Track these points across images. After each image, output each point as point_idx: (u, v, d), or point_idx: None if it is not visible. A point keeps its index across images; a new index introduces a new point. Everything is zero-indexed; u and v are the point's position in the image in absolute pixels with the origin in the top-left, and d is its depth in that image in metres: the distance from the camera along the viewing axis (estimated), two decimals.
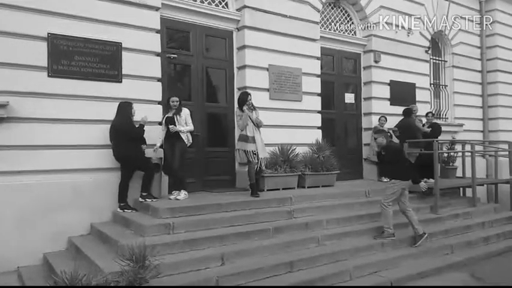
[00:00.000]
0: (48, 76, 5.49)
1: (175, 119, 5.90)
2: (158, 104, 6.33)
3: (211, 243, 4.84)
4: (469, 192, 8.26)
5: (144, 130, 5.77)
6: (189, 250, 4.65)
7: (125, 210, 5.65)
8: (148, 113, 5.90)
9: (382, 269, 5.10)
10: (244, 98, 6.27)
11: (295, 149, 7.37)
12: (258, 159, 6.18)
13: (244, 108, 6.21)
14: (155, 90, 6.30)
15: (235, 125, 7.36)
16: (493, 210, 7.97)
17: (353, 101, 9.20)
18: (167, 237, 4.79)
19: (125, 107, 5.69)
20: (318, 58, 8.19)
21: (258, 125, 6.26)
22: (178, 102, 5.96)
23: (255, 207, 5.85)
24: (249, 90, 7.12)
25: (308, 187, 7.21)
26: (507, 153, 8.91)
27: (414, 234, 5.86)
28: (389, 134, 8.53)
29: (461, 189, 8.51)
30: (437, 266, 5.38)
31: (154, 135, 5.99)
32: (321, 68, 8.33)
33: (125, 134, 5.58)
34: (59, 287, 3.37)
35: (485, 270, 5.41)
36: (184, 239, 4.76)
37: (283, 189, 6.83)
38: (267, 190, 6.64)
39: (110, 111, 5.66)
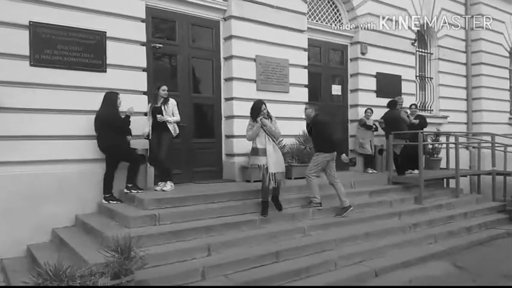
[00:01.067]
0: (31, 65, 5.38)
1: (163, 110, 5.85)
2: (143, 94, 6.25)
3: (198, 234, 4.84)
4: (452, 183, 8.42)
5: (129, 121, 5.71)
6: (175, 241, 4.65)
7: (110, 202, 5.60)
8: (133, 103, 5.83)
9: (367, 258, 5.17)
10: (257, 107, 5.47)
11: (281, 140, 7.37)
12: (268, 174, 5.39)
13: (258, 119, 5.44)
14: (140, 81, 6.22)
15: (223, 116, 7.35)
16: (475, 201, 8.12)
17: (339, 93, 9.23)
18: (153, 229, 4.78)
19: (111, 97, 5.61)
20: (305, 49, 8.17)
21: (271, 135, 5.54)
22: (167, 92, 5.91)
23: (241, 198, 5.85)
24: (235, 81, 7.13)
25: (295, 178, 7.24)
26: (490, 145, 9.07)
27: (340, 205, 6.03)
28: (374, 126, 8.65)
29: (445, 180, 8.67)
30: (421, 255, 5.47)
31: (139, 126, 5.93)
32: (308, 60, 8.32)
33: (110, 124, 5.50)
34: (42, 287, 3.32)
35: (467, 260, 5.52)
36: (170, 230, 4.75)
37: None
38: (254, 181, 6.64)
39: (94, 102, 5.57)
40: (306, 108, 6.22)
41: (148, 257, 3.99)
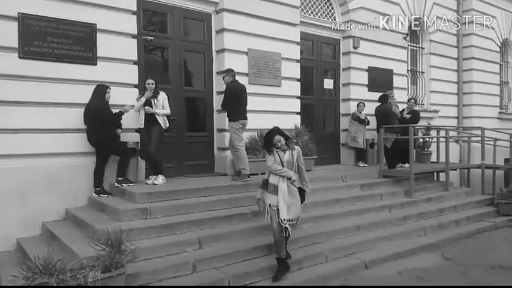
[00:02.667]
0: (19, 58, 5.30)
1: (153, 103, 5.82)
2: (134, 87, 6.21)
3: (189, 227, 4.84)
4: (442, 176, 8.49)
5: (121, 117, 5.65)
6: (166, 235, 4.65)
7: (101, 195, 5.57)
8: (124, 96, 5.79)
9: (358, 250, 5.23)
10: (269, 140, 4.36)
11: None
12: (279, 220, 4.22)
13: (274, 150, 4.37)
14: (131, 73, 6.16)
15: (214, 110, 7.33)
16: (464, 194, 8.22)
17: (332, 87, 9.25)
18: (144, 222, 4.77)
19: (101, 90, 5.55)
20: (297, 43, 8.15)
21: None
22: (154, 85, 5.85)
23: (233, 191, 5.86)
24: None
25: None
26: (479, 139, 9.17)
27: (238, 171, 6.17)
28: (366, 119, 8.67)
29: (435, 173, 8.74)
30: (411, 247, 5.55)
31: (129, 120, 5.88)
32: (301, 53, 8.31)
33: (98, 117, 5.45)
34: (33, 286, 3.29)
35: (456, 251, 5.61)
36: (161, 223, 4.75)
37: (262, 173, 6.81)
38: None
39: (84, 95, 5.52)
40: (223, 77, 6.32)
41: (139, 250, 4.01)
